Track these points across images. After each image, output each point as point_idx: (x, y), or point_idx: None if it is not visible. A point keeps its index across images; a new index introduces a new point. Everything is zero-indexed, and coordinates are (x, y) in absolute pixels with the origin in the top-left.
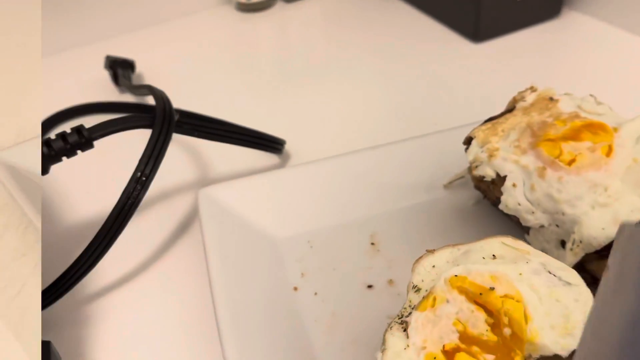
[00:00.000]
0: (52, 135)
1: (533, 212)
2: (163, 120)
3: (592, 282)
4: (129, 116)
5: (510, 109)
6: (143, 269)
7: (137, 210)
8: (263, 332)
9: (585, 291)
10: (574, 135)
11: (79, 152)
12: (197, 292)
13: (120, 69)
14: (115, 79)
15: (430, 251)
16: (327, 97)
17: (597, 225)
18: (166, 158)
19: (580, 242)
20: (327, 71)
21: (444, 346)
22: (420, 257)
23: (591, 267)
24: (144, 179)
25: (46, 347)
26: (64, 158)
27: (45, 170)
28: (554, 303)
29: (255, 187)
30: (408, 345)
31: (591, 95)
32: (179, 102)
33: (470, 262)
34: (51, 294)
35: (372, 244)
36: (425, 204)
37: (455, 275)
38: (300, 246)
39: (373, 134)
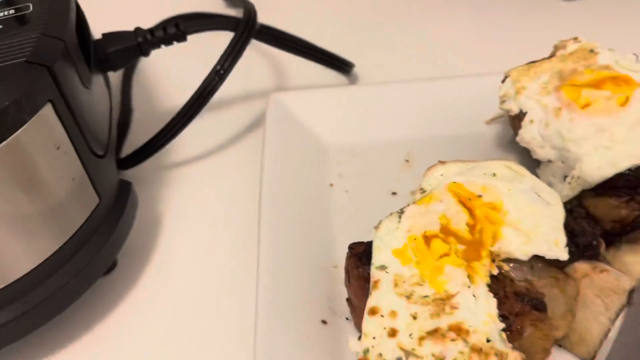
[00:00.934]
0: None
1: (543, 147)
2: (245, 26)
3: (586, 215)
4: (219, 18)
5: (551, 55)
6: (214, 152)
7: (217, 105)
8: (297, 213)
9: (560, 210)
10: (597, 84)
11: (174, 42)
12: (249, 180)
13: None
14: None
15: (442, 162)
16: (406, 32)
17: (595, 165)
18: (249, 67)
19: (579, 178)
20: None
21: (425, 232)
22: (433, 166)
23: (586, 203)
24: (222, 72)
25: (127, 186)
26: (162, 46)
27: (146, 53)
28: (529, 215)
29: (317, 99)
30: (398, 228)
31: (634, 54)
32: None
33: (472, 175)
34: (140, 155)
35: (407, 161)
36: (463, 136)
37: (454, 182)
38: (344, 153)
39: (439, 69)
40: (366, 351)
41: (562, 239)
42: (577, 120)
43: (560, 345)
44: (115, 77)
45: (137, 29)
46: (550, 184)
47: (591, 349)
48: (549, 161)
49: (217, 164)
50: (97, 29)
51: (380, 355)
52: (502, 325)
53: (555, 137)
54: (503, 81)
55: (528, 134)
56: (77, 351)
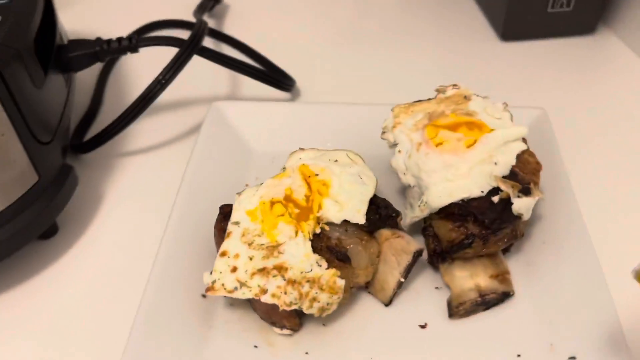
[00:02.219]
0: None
1: (405, 174)
2: (189, 45)
3: (433, 234)
4: (169, 37)
5: (434, 97)
6: (159, 147)
7: (169, 106)
8: (208, 201)
9: (370, 190)
10: (454, 127)
11: (128, 53)
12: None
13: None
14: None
15: (302, 149)
16: (358, 56)
17: (437, 194)
18: (198, 81)
19: (426, 202)
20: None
21: (272, 198)
22: (295, 151)
23: (433, 223)
24: (163, 82)
25: (68, 168)
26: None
27: (102, 60)
28: (347, 191)
29: (251, 109)
30: (255, 194)
31: (504, 103)
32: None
33: (320, 160)
34: (93, 143)
35: None
36: (373, 156)
37: (304, 164)
38: (265, 159)
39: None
40: (214, 282)
41: (364, 209)
42: (431, 155)
43: (369, 292)
44: (93, 72)
45: (98, 39)
46: (411, 205)
47: (388, 295)
48: (410, 186)
49: (159, 157)
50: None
51: (223, 284)
52: (316, 256)
53: (414, 167)
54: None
55: (396, 162)
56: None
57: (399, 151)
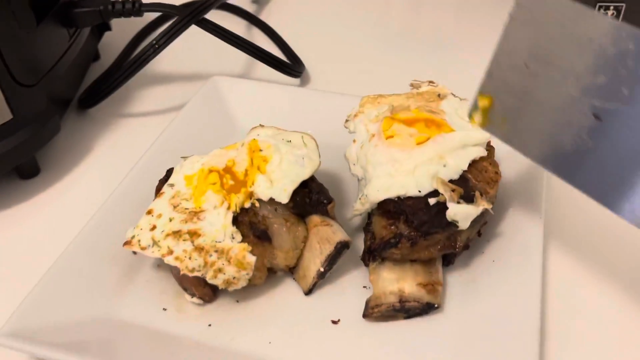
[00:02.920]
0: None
1: (355, 165)
2: (189, 14)
3: (372, 231)
4: (171, 5)
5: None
6: (151, 114)
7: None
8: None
9: (307, 173)
10: (410, 122)
11: (132, 17)
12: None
13: None
14: None
15: (262, 126)
16: (385, 54)
17: (376, 188)
18: (212, 57)
19: (366, 196)
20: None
21: (211, 167)
22: (255, 127)
23: (372, 219)
24: (157, 46)
25: (49, 114)
26: (122, 18)
27: (107, 19)
28: (283, 170)
29: (246, 87)
30: (198, 161)
31: None
32: (288, 22)
33: (275, 138)
34: (89, 99)
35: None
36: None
37: (254, 139)
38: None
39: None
40: (132, 237)
41: (290, 189)
42: (380, 147)
43: (294, 279)
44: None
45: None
46: (360, 197)
47: (308, 283)
48: (359, 178)
49: (155, 122)
50: None
51: (139, 241)
52: (233, 229)
53: (363, 159)
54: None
55: (349, 151)
56: None
57: (354, 141)
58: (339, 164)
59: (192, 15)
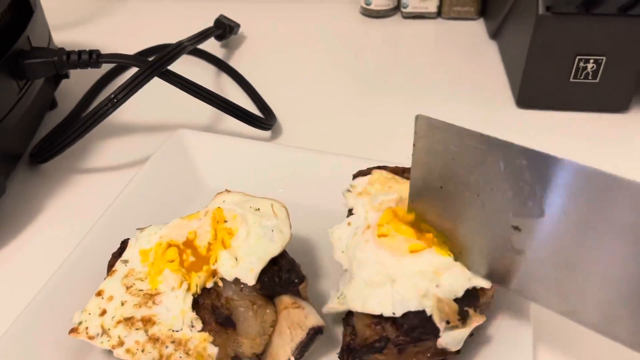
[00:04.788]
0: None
1: (343, 252)
2: (150, 66)
3: (353, 326)
4: (132, 56)
5: None
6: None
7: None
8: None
9: (277, 249)
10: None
11: (89, 67)
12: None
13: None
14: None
15: (228, 191)
16: (361, 107)
17: (354, 295)
18: (171, 109)
19: (344, 298)
20: (394, 86)
21: (170, 240)
22: (221, 193)
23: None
24: (115, 100)
25: None
26: (78, 69)
27: (61, 71)
28: (249, 245)
29: (213, 142)
30: (156, 233)
31: None
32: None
33: (242, 206)
34: (42, 154)
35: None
36: (331, 210)
37: (218, 207)
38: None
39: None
40: (79, 323)
41: (258, 268)
42: (369, 244)
43: None
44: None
45: (60, 50)
46: (337, 290)
47: None
48: (344, 269)
49: (115, 178)
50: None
51: (87, 328)
52: (193, 315)
53: (352, 250)
54: (366, 172)
55: (337, 233)
56: None
57: (349, 223)
58: (311, 226)
59: (154, 68)
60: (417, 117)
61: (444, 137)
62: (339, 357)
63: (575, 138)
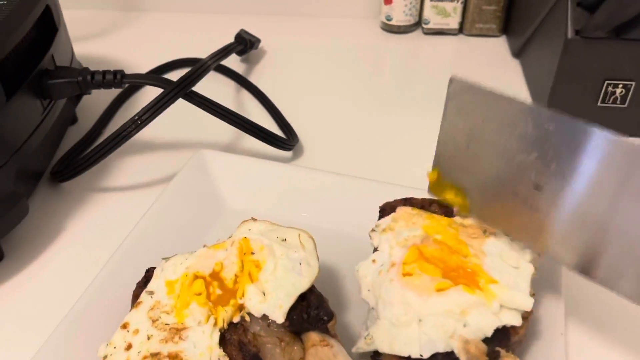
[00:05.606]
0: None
1: (369, 291)
2: (176, 87)
3: None
4: (156, 77)
5: (449, 212)
6: (136, 189)
7: (152, 151)
8: (154, 252)
9: (305, 283)
10: (439, 261)
11: (112, 88)
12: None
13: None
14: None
15: (254, 219)
16: (385, 128)
17: (382, 337)
18: (192, 128)
19: (372, 338)
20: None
21: (196, 272)
22: (247, 220)
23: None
24: (139, 122)
25: (16, 198)
26: (102, 89)
27: (85, 91)
28: (277, 279)
29: (235, 163)
30: (182, 263)
31: (538, 253)
32: (281, 86)
33: (268, 236)
34: (64, 173)
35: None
36: (359, 237)
37: (245, 237)
38: (238, 221)
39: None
40: (105, 357)
41: (287, 305)
42: (394, 283)
43: None
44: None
45: (84, 70)
46: (366, 328)
47: None
48: (370, 307)
49: (136, 199)
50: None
51: None
52: (220, 352)
53: (378, 289)
54: (391, 209)
55: (364, 271)
56: None
57: (374, 260)
58: (336, 253)
59: (179, 89)
60: (451, 80)
61: (475, 100)
62: None
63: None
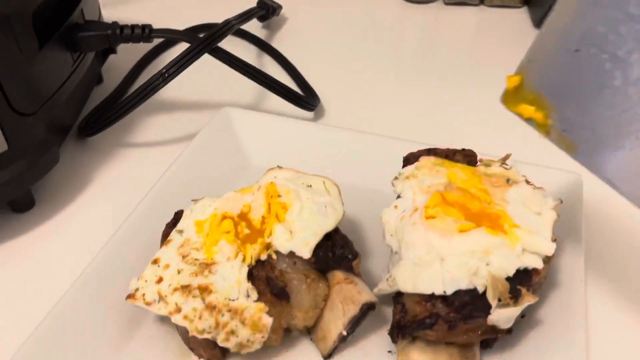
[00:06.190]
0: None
1: (392, 235)
2: (202, 42)
3: (403, 303)
4: (183, 32)
5: (473, 162)
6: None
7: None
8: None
9: (330, 223)
10: (461, 206)
11: (141, 42)
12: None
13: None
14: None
15: (280, 167)
16: (405, 90)
17: (404, 277)
18: (223, 85)
19: (394, 279)
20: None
21: (225, 212)
22: (272, 169)
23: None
24: (166, 75)
25: (47, 146)
26: (129, 43)
27: (114, 45)
28: (304, 220)
29: (260, 120)
30: (211, 205)
31: (559, 199)
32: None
33: (294, 182)
34: (91, 128)
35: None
36: (382, 191)
37: (271, 182)
38: (260, 175)
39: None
40: (136, 290)
41: (313, 243)
42: (417, 226)
43: (311, 340)
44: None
45: (113, 23)
46: (388, 271)
47: (328, 346)
48: (393, 251)
49: (161, 153)
50: None
51: (144, 295)
52: (249, 285)
53: (400, 232)
54: (414, 159)
55: (386, 216)
56: None
57: (396, 206)
58: (359, 206)
59: (206, 44)
60: None
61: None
62: (389, 334)
63: None
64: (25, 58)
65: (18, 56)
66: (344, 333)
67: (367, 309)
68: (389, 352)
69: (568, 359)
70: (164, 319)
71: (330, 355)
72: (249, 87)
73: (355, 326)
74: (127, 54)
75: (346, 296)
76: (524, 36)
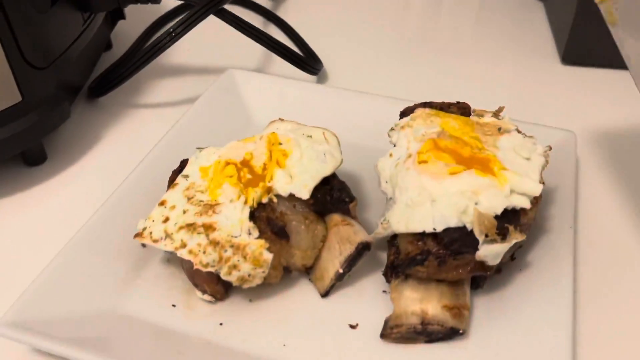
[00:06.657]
0: None
1: (387, 182)
2: (208, 3)
3: (397, 245)
4: None
5: (467, 114)
6: (168, 105)
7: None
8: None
9: (328, 169)
10: (453, 152)
11: (149, 3)
12: None
13: None
14: None
15: (281, 119)
16: (407, 57)
17: (397, 218)
18: (228, 49)
19: (388, 222)
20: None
21: (228, 159)
22: (274, 121)
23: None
24: (173, 34)
25: (59, 100)
26: (138, 4)
27: (123, 5)
28: (303, 165)
29: (263, 82)
30: (215, 153)
31: (548, 146)
32: (305, 21)
33: (295, 133)
34: (100, 87)
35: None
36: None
37: (273, 132)
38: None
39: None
40: (144, 228)
41: (311, 185)
42: (410, 171)
43: (310, 280)
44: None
45: None
46: (382, 221)
47: (325, 285)
48: (388, 197)
49: (168, 113)
50: None
51: (151, 233)
52: (251, 224)
53: (395, 178)
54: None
55: (382, 164)
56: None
57: (391, 154)
58: (359, 163)
59: (212, 5)
60: None
61: None
62: (383, 274)
63: (620, 95)
64: (38, 11)
65: (31, 11)
66: (341, 271)
67: (363, 248)
68: (384, 291)
69: (555, 299)
70: (170, 261)
71: (327, 293)
72: (254, 50)
73: (352, 265)
74: (136, 22)
75: (343, 236)
76: (527, 6)
